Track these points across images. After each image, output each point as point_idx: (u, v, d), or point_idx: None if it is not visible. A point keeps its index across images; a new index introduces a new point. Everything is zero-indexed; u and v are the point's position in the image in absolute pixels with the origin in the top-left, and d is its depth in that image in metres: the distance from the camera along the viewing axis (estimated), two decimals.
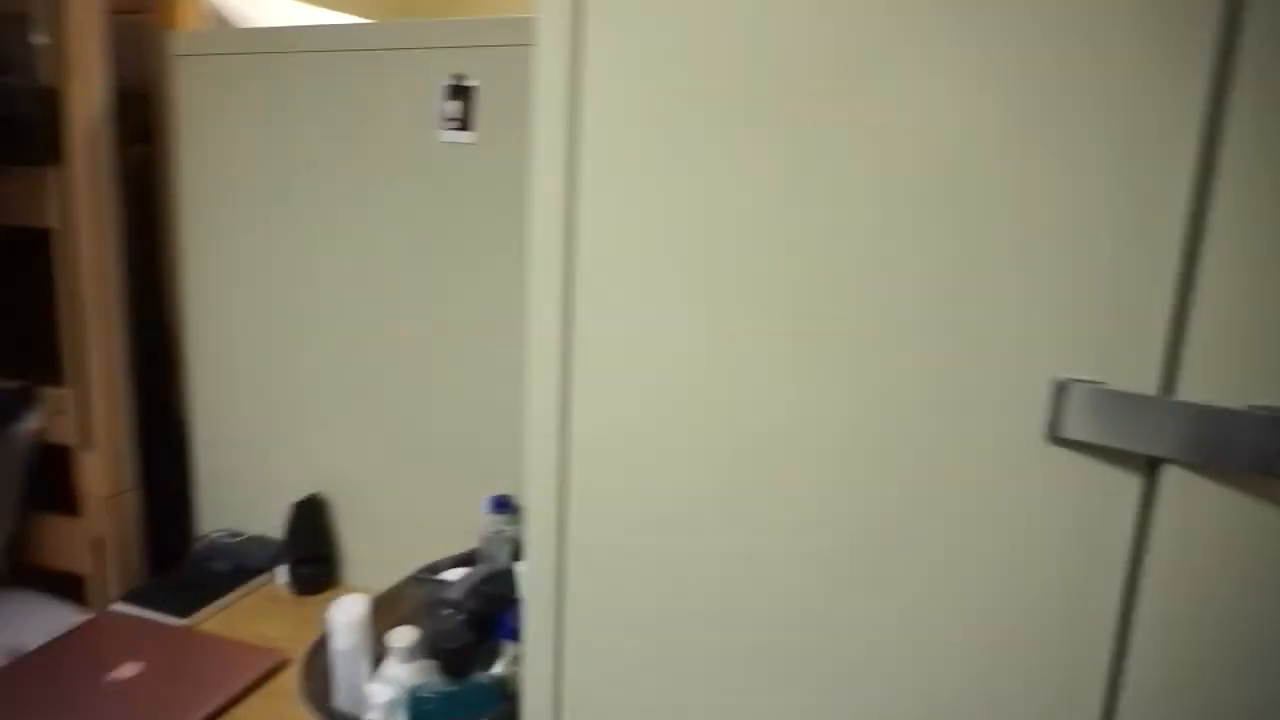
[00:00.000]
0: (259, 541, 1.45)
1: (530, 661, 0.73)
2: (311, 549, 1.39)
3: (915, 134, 0.55)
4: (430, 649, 0.90)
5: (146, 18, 1.32)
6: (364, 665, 0.94)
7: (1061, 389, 0.55)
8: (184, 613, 1.29)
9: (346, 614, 0.90)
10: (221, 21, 1.42)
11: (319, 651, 1.03)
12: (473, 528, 1.16)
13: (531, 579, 0.71)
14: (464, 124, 1.14)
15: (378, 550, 1.41)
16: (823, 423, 0.60)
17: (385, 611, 1.01)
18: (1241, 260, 0.51)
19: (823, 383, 0.60)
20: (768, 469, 0.62)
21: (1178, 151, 0.51)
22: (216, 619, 1.32)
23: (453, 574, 1.07)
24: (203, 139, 1.35)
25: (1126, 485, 0.55)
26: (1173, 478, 0.54)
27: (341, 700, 0.96)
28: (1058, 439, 0.55)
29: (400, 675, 0.88)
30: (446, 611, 0.90)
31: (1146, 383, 0.53)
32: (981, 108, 0.54)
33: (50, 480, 1.37)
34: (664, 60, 0.60)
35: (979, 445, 0.57)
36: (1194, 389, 0.53)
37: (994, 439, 0.57)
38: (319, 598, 1.39)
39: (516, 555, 1.03)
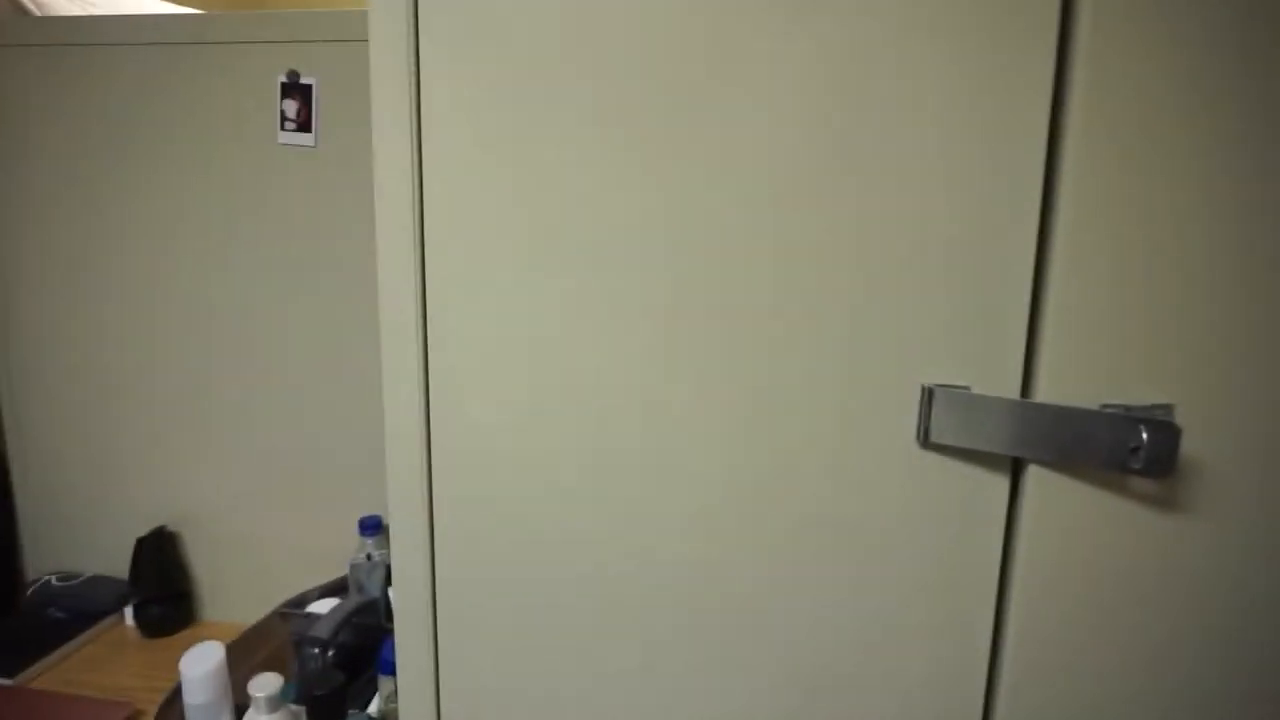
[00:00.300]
0: (101, 582, 1.33)
1: (407, 696, 0.69)
2: (160, 587, 1.28)
3: (766, 145, 0.54)
4: (298, 694, 0.84)
5: None
6: (225, 719, 0.87)
7: (929, 394, 0.55)
8: (12, 671, 1.16)
9: (201, 665, 0.82)
10: (17, 9, 1.27)
11: (173, 704, 0.94)
12: (347, 553, 1.09)
13: (401, 602, 0.67)
14: (303, 125, 1.06)
15: (238, 583, 1.31)
16: (694, 438, 0.59)
17: (247, 653, 0.93)
18: (1088, 268, 0.53)
19: (694, 395, 0.58)
20: (639, 481, 0.60)
21: (1029, 162, 0.52)
22: (53, 673, 1.20)
23: (322, 605, 1.00)
24: (8, 141, 1.21)
25: (995, 486, 0.56)
26: (1035, 477, 0.55)
27: None
28: (928, 444, 0.56)
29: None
30: (313, 651, 0.84)
31: (1008, 386, 0.55)
32: (842, 119, 0.53)
33: None
34: (511, 52, 0.56)
35: (857, 451, 0.57)
36: (1051, 391, 0.54)
37: (871, 445, 0.57)
38: (173, 639, 1.29)
39: (390, 580, 0.98)
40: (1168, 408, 0.55)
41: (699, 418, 0.58)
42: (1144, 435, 0.53)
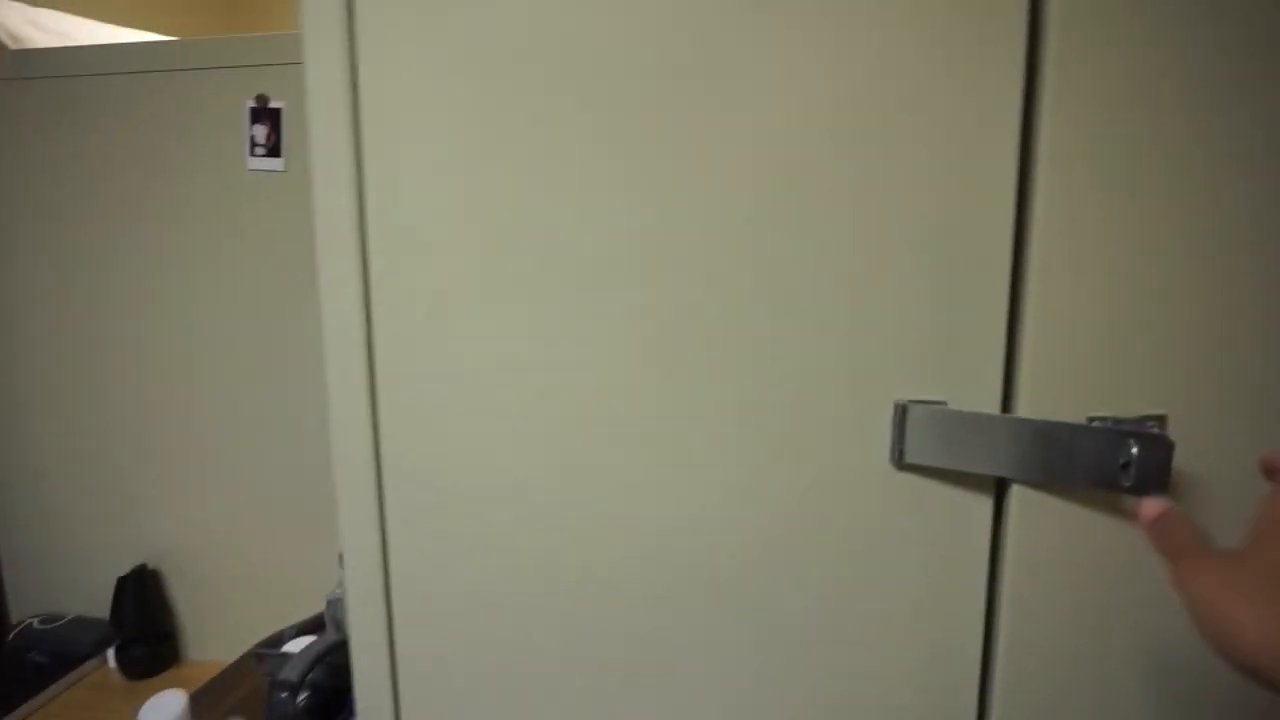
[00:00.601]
0: (83, 624, 1.30)
1: None
2: (142, 627, 1.25)
3: (738, 156, 0.51)
4: None
5: None
6: None
7: (903, 411, 0.52)
8: None
9: (160, 716, 0.79)
10: None
11: None
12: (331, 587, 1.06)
13: (356, 633, 0.63)
14: (273, 150, 1.04)
15: (222, 621, 1.28)
16: (658, 456, 0.55)
17: (219, 698, 0.90)
18: (1069, 269, 0.49)
19: (657, 412, 0.55)
20: (608, 506, 0.57)
21: (1001, 167, 0.49)
22: (34, 719, 1.16)
23: (298, 644, 0.97)
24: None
25: (977, 508, 0.52)
26: (1019, 497, 0.51)
27: None
28: (904, 464, 0.52)
29: None
30: (282, 695, 0.80)
31: (988, 401, 0.51)
32: (816, 132, 0.50)
33: None
34: (467, 50, 0.53)
35: (829, 472, 0.54)
36: (1034, 405, 0.51)
37: (842, 467, 0.53)
38: (157, 680, 1.25)
39: None
40: (1160, 419, 0.51)
41: (663, 435, 0.55)
42: (1134, 450, 0.50)
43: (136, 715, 0.81)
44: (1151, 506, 0.45)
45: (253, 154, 1.05)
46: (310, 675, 0.86)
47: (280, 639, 1.01)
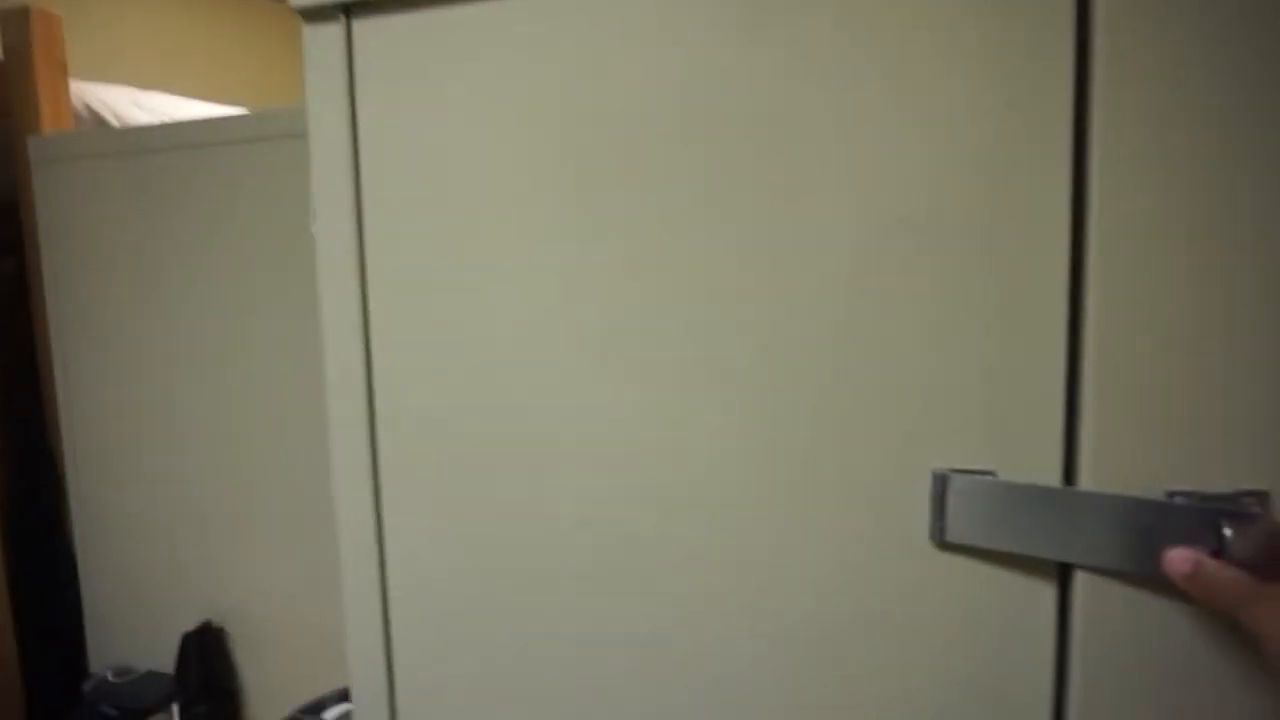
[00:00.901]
0: (153, 679, 1.31)
1: None
2: (205, 685, 1.25)
3: (771, 225, 0.47)
4: None
5: (7, 123, 1.24)
6: None
7: (943, 482, 0.45)
8: None
9: None
10: (97, 120, 1.34)
11: None
12: None
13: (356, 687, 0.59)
14: None
15: (284, 681, 1.27)
16: (692, 536, 0.50)
17: None
18: (1138, 315, 0.42)
19: (689, 482, 0.50)
20: (624, 574, 0.52)
21: (1055, 188, 0.43)
22: None
23: (336, 711, 0.94)
24: (69, 247, 1.26)
25: (1038, 596, 0.45)
26: (1087, 584, 0.44)
27: None
28: (945, 543, 0.46)
29: None
30: None
31: (1046, 470, 0.44)
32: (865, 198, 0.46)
33: None
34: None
35: (860, 553, 0.47)
36: (1101, 476, 0.43)
37: (874, 547, 0.47)
38: None
39: None
40: (1261, 496, 0.43)
41: (701, 537, 0.50)
42: (1226, 533, 0.42)
43: None
44: (1181, 559, 0.40)
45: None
46: None
47: (322, 704, 0.99)
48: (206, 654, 1.25)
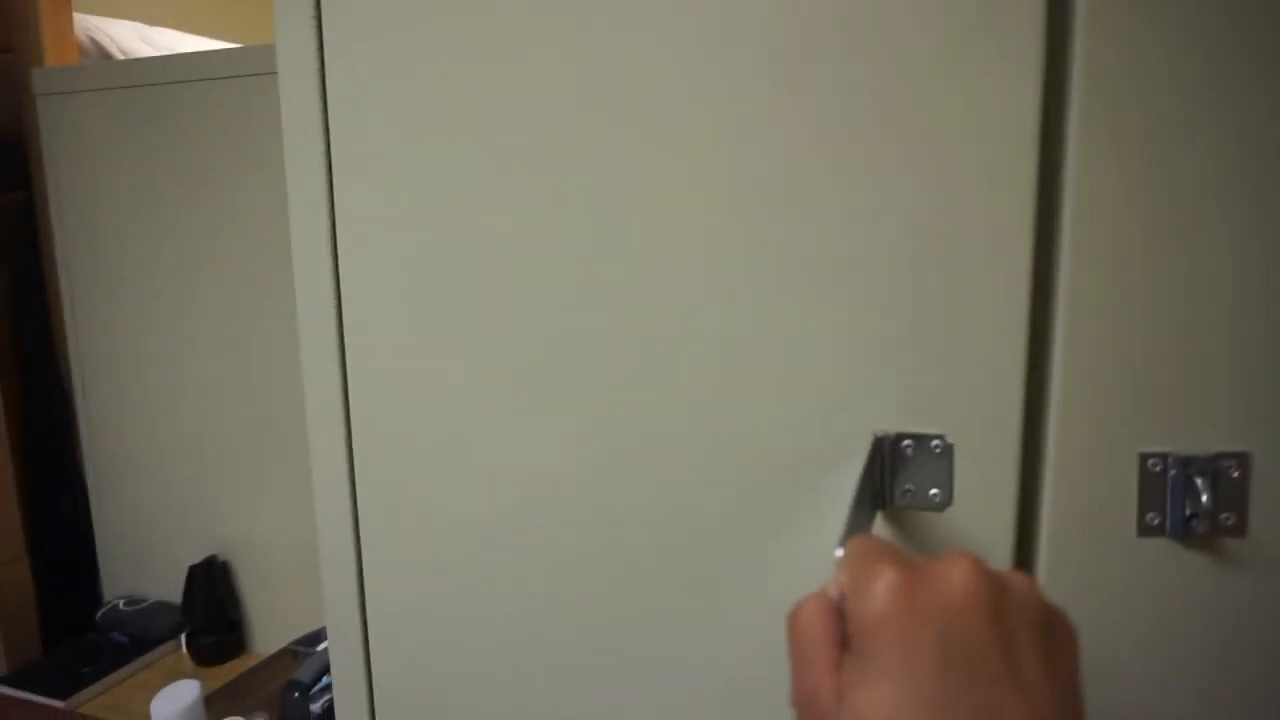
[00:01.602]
0: (162, 608, 1.35)
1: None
2: (211, 616, 1.28)
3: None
4: None
5: (11, 56, 1.24)
6: None
7: (888, 446, 0.43)
8: (65, 694, 1.18)
9: (172, 704, 0.79)
10: (102, 55, 1.34)
11: None
12: None
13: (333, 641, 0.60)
14: None
15: (287, 614, 1.30)
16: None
17: (246, 692, 0.90)
18: (1110, 261, 0.40)
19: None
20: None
21: (1021, 134, 0.40)
22: (105, 698, 1.21)
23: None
24: (75, 181, 1.27)
25: (993, 554, 0.43)
26: (1053, 541, 0.42)
27: None
28: (890, 505, 0.44)
29: None
30: (293, 695, 0.79)
31: (1003, 433, 0.42)
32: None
33: None
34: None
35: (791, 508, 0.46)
36: (1067, 436, 0.41)
37: (808, 503, 0.45)
38: (224, 667, 1.28)
39: None
40: (1241, 457, 0.41)
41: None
42: (1204, 499, 0.40)
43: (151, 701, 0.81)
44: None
45: None
46: (327, 677, 0.84)
47: (317, 637, 1.00)
48: (212, 586, 1.28)
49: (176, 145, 1.20)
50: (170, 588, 1.36)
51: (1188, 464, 0.40)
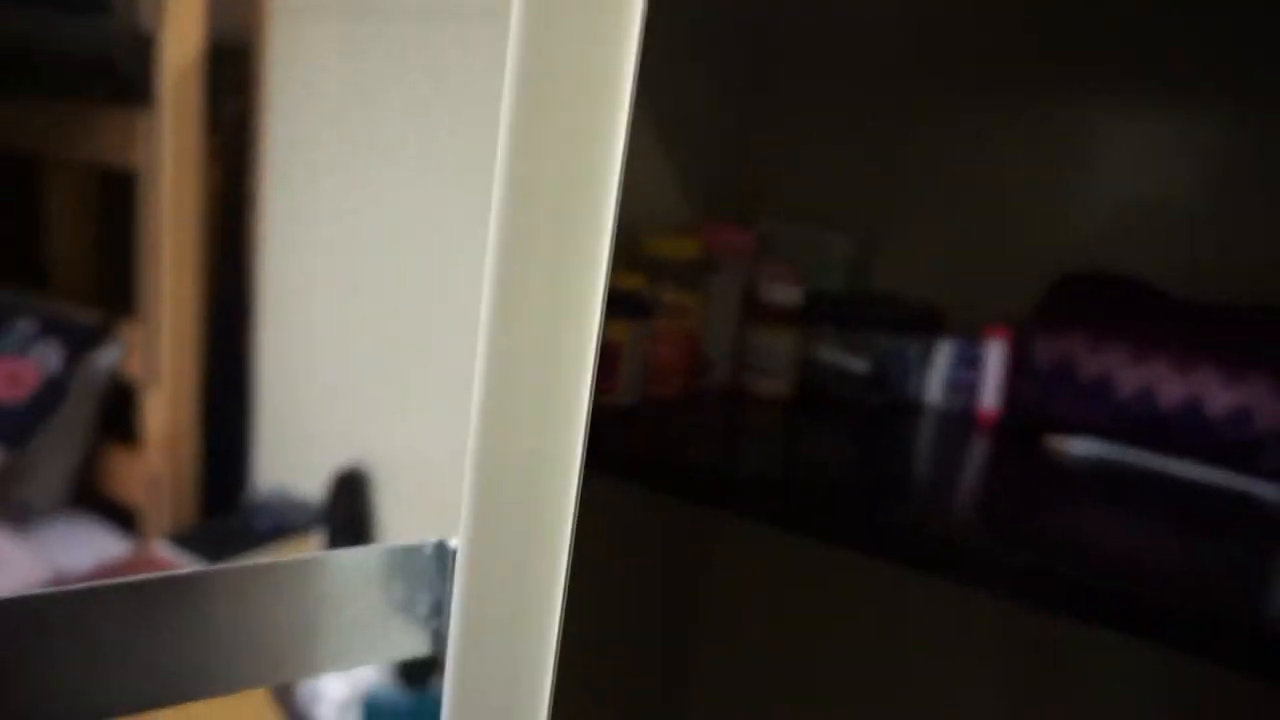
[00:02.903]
0: (303, 506, 1.44)
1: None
2: (348, 524, 1.36)
3: None
4: None
5: None
6: None
7: None
8: (214, 560, 1.28)
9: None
10: None
11: None
12: None
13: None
14: None
15: (421, 532, 1.36)
16: None
17: None
18: None
19: None
20: None
21: None
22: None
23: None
24: (296, 96, 1.34)
25: None
26: None
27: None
28: None
29: (357, 674, 0.81)
30: None
31: None
32: None
33: (116, 413, 1.40)
34: None
35: None
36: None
37: None
38: None
39: None
40: None
41: None
42: None
43: None
44: None
45: None
46: None
47: None
48: (351, 495, 1.36)
49: (415, 77, 1.23)
50: (311, 485, 1.45)
51: None
